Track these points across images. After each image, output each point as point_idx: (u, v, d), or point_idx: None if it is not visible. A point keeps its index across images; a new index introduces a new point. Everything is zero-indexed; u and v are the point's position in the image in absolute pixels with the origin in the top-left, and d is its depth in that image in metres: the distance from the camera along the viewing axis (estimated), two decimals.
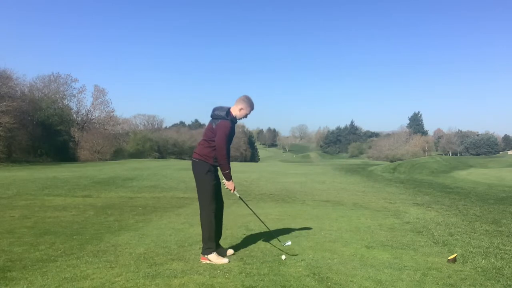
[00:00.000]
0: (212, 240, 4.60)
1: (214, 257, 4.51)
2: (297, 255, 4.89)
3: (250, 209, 5.27)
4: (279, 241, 5.12)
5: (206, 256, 4.52)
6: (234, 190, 4.81)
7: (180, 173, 21.37)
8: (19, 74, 76.80)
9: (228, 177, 4.70)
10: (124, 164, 34.72)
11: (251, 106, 4.80)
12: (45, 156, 44.20)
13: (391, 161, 68.93)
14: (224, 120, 4.61)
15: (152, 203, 10.46)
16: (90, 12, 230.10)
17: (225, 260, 4.51)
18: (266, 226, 5.41)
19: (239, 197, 5.05)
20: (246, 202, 5.25)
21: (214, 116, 4.71)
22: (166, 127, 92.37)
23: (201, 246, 4.69)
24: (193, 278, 3.96)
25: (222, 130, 4.55)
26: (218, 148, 4.56)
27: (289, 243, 4.93)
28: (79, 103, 60.64)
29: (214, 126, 4.64)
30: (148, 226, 6.79)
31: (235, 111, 4.75)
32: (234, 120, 4.73)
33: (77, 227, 6.64)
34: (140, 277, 3.97)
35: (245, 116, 4.82)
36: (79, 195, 12.30)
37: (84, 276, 3.98)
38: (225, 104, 4.90)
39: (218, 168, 4.75)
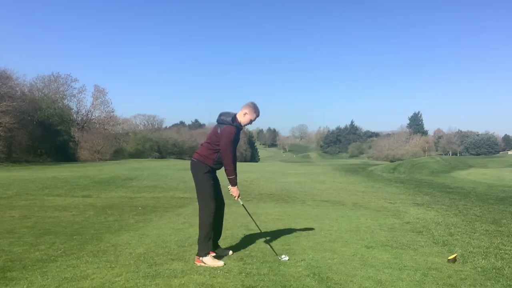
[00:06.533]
0: (208, 241, 4.57)
1: (209, 260, 4.48)
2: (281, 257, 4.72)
3: (251, 217, 5.20)
4: (276, 254, 4.82)
5: (201, 258, 4.49)
6: (238, 197, 4.79)
7: (180, 173, 21.38)
8: (19, 74, 76.89)
9: (234, 183, 4.69)
10: (124, 164, 34.73)
11: (256, 112, 4.79)
12: (45, 156, 44.28)
13: (391, 161, 68.94)
14: (229, 125, 4.61)
15: (152, 203, 10.45)
16: (89, 12, 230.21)
17: (220, 263, 4.45)
18: (260, 231, 5.35)
19: (242, 204, 4.97)
20: (247, 209, 5.16)
21: (220, 121, 4.71)
22: (166, 127, 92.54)
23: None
24: (193, 278, 3.96)
25: (227, 136, 4.56)
26: (223, 153, 4.56)
27: (285, 258, 4.68)
28: (79, 103, 60.89)
29: (219, 131, 4.64)
30: (148, 226, 6.79)
31: (240, 117, 4.75)
32: (239, 126, 4.74)
33: (77, 227, 6.64)
34: (140, 277, 3.98)
35: (250, 122, 4.81)
36: (79, 195, 12.30)
37: (84, 276, 3.99)
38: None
39: (217, 170, 4.76)
